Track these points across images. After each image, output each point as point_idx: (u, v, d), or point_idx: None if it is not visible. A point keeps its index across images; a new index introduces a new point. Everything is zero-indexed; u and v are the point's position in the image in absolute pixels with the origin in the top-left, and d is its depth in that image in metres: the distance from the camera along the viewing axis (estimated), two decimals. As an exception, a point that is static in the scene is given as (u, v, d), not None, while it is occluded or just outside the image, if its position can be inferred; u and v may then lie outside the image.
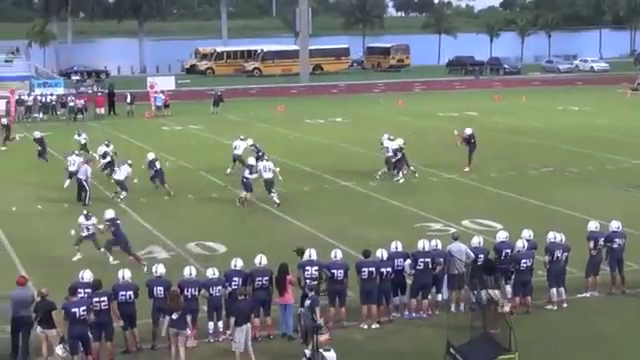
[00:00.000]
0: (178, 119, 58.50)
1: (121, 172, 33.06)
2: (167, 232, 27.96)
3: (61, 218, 29.40)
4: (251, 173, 31.82)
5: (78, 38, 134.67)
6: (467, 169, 37.36)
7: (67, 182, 34.45)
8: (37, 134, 42.29)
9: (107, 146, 36.65)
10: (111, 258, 24.48)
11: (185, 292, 18.56)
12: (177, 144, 47.04)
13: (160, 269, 19.07)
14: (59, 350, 17.34)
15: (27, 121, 58.65)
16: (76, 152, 36.51)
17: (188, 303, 18.36)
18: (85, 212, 25.61)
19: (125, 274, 18.73)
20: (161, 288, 18.65)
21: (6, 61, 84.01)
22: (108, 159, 35.95)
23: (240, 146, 37.36)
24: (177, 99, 67.12)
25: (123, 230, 24.89)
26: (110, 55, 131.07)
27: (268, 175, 31.84)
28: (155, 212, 31.13)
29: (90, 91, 72.87)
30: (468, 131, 38.20)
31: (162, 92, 63.93)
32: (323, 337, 16.68)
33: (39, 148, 41.39)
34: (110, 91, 64.90)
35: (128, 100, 61.48)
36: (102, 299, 17.95)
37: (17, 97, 61.00)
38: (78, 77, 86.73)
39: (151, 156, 34.25)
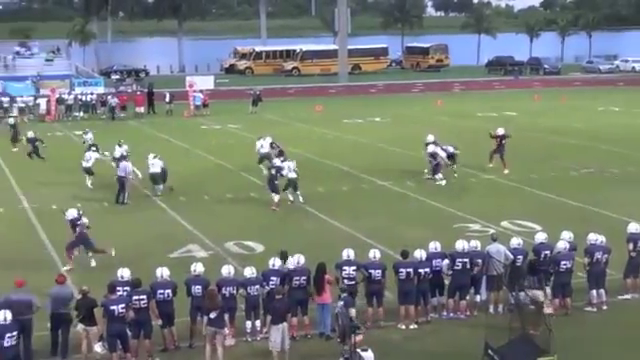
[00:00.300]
0: (217, 118, 58.69)
1: (155, 166, 33.35)
2: (206, 231, 28.05)
3: (101, 217, 29.48)
4: (280, 175, 31.77)
5: (118, 37, 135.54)
6: (506, 171, 37.02)
7: (88, 182, 35.02)
8: (30, 134, 41.46)
9: (120, 146, 35.91)
10: (68, 267, 24.12)
11: (223, 291, 18.61)
12: (216, 143, 47.23)
13: (199, 268, 19.13)
14: (98, 347, 17.48)
15: (67, 120, 59.36)
16: (93, 148, 36.63)
17: (226, 302, 18.38)
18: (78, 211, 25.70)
19: (163, 272, 18.77)
20: (199, 287, 18.71)
21: (47, 60, 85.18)
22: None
23: (265, 144, 37.47)
24: (216, 98, 67.30)
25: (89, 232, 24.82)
26: (149, 54, 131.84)
27: (292, 175, 31.85)
28: (194, 211, 31.24)
29: (130, 90, 73.38)
30: (500, 131, 38.15)
31: (201, 91, 64.34)
32: (359, 337, 16.66)
33: (31, 148, 40.50)
34: (149, 90, 65.43)
35: (167, 99, 61.87)
36: (141, 297, 18.06)
37: (58, 96, 61.58)
38: (118, 76, 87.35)
39: (152, 156, 34.28)
